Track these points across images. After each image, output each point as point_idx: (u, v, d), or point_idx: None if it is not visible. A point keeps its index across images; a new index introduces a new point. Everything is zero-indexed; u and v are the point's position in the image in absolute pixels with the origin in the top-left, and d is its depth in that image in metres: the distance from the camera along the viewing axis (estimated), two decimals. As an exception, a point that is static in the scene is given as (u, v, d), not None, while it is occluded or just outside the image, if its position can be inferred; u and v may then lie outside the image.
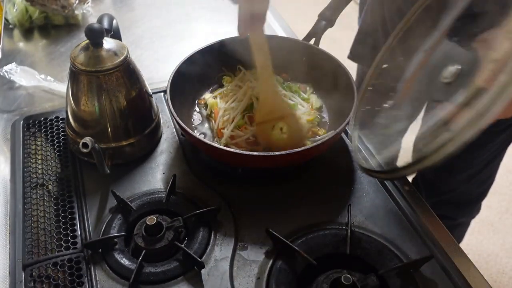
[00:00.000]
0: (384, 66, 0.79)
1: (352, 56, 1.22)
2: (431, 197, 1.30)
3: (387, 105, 0.77)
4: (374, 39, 1.11)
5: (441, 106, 0.64)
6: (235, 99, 0.95)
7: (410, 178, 1.21)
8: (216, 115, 0.94)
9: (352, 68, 1.29)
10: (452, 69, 0.63)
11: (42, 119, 0.98)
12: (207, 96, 0.99)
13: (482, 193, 1.29)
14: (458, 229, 1.44)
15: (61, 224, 0.78)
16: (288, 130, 0.87)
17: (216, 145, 0.80)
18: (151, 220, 0.73)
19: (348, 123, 0.84)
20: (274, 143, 0.87)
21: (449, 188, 1.25)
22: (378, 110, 0.79)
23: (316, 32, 1.04)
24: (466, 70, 0.62)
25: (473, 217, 1.39)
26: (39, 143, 0.94)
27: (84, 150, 0.74)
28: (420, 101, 0.72)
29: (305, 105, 0.96)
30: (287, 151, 0.80)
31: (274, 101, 0.87)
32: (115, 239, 0.75)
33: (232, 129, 0.90)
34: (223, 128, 0.91)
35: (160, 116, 0.97)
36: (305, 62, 1.01)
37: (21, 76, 1.11)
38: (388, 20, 1.04)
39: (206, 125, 0.96)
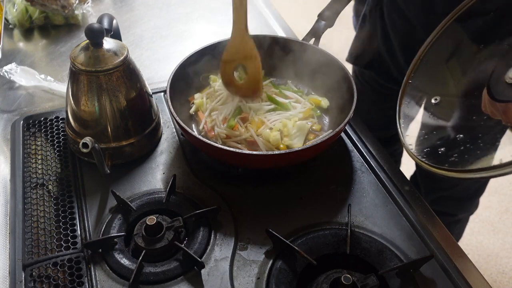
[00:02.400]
0: (424, 61, 0.79)
1: (350, 59, 1.22)
2: (430, 194, 1.31)
3: (434, 101, 0.78)
4: (373, 41, 1.11)
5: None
6: (221, 99, 0.95)
7: (408, 176, 1.21)
8: (200, 116, 0.94)
9: (350, 68, 1.29)
10: None
11: (42, 119, 0.98)
12: (196, 95, 0.99)
13: (480, 189, 1.30)
14: (458, 226, 1.45)
15: (61, 224, 0.79)
16: (247, 74, 0.92)
17: (216, 144, 0.80)
18: (151, 220, 0.73)
19: (347, 123, 0.84)
20: (233, 83, 0.93)
21: (448, 184, 1.25)
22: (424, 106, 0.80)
23: (316, 32, 1.05)
24: None
25: (471, 213, 1.40)
26: (39, 143, 0.94)
27: (84, 150, 0.74)
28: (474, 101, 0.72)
29: (299, 106, 0.95)
30: (287, 151, 0.80)
31: (242, 42, 0.89)
32: (115, 239, 0.75)
33: (225, 128, 0.90)
34: (212, 128, 0.91)
35: (160, 116, 0.97)
36: (305, 62, 1.01)
37: (21, 76, 1.11)
38: (388, 22, 1.04)
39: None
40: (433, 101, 0.79)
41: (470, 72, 0.76)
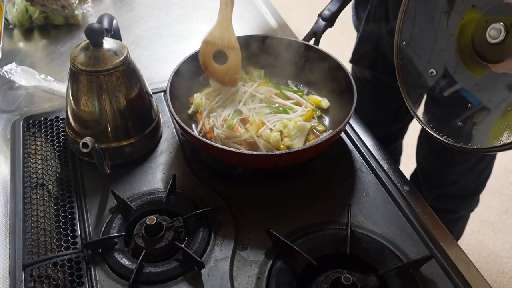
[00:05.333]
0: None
1: (354, 60, 1.22)
2: (431, 191, 1.31)
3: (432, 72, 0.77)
4: (377, 42, 1.11)
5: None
6: (220, 99, 0.95)
7: (408, 175, 1.21)
8: (199, 118, 0.94)
9: (349, 67, 1.29)
10: (497, 26, 0.62)
11: (42, 119, 0.98)
12: (196, 95, 0.99)
13: (480, 185, 1.31)
14: (459, 223, 1.45)
15: (61, 224, 0.79)
16: (227, 62, 0.95)
17: (216, 145, 0.80)
18: (151, 220, 0.73)
19: (347, 123, 0.84)
20: (210, 64, 0.95)
21: (449, 181, 1.26)
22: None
23: (316, 32, 1.04)
24: None
25: (472, 210, 1.40)
26: (39, 143, 0.94)
27: (84, 150, 0.74)
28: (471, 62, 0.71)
29: (299, 109, 0.95)
30: (287, 151, 0.80)
31: (226, 31, 0.94)
32: (115, 239, 0.75)
33: (225, 130, 0.90)
34: (211, 129, 0.91)
35: (160, 116, 0.97)
36: (305, 63, 1.01)
37: (21, 76, 1.11)
38: (392, 20, 1.04)
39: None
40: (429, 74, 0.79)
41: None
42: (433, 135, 0.77)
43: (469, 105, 0.72)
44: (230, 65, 0.95)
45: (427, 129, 0.78)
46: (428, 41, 0.78)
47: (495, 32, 0.63)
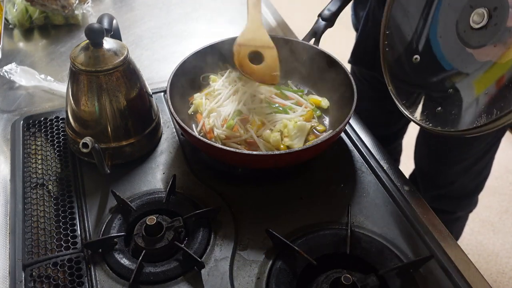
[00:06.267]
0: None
1: (353, 60, 1.21)
2: (429, 191, 1.31)
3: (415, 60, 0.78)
4: (376, 41, 1.11)
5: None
6: (220, 99, 0.95)
7: (407, 175, 1.21)
8: (199, 118, 0.94)
9: (349, 66, 1.29)
10: (480, 11, 0.63)
11: (42, 119, 0.98)
12: (196, 95, 0.99)
13: (478, 186, 1.31)
14: (458, 224, 1.45)
15: (61, 224, 0.79)
16: (264, 61, 0.95)
17: (216, 145, 0.80)
18: (151, 220, 0.73)
19: (347, 123, 0.84)
20: (247, 66, 0.95)
21: (446, 181, 1.26)
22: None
23: (316, 32, 1.04)
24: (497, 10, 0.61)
25: (470, 210, 1.40)
26: (39, 143, 0.94)
27: (84, 150, 0.74)
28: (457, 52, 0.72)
29: (299, 109, 0.95)
30: (287, 151, 0.80)
31: (258, 32, 0.95)
32: (115, 239, 0.75)
33: (225, 130, 0.89)
34: (211, 129, 0.91)
35: (160, 116, 0.97)
36: (305, 62, 1.01)
37: (21, 76, 1.11)
38: None
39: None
40: (413, 60, 0.80)
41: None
42: (413, 120, 0.79)
43: (449, 90, 0.73)
44: (268, 64, 0.95)
45: (405, 112, 0.80)
46: (414, 28, 0.79)
47: (478, 17, 0.65)
